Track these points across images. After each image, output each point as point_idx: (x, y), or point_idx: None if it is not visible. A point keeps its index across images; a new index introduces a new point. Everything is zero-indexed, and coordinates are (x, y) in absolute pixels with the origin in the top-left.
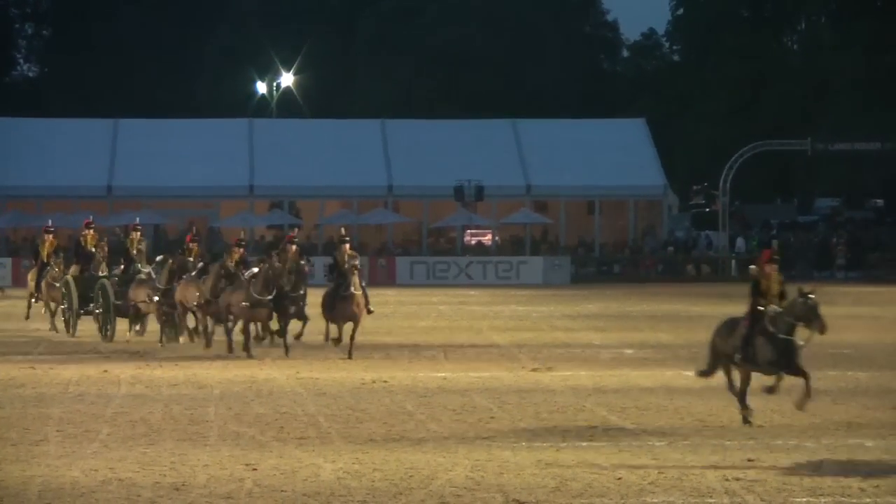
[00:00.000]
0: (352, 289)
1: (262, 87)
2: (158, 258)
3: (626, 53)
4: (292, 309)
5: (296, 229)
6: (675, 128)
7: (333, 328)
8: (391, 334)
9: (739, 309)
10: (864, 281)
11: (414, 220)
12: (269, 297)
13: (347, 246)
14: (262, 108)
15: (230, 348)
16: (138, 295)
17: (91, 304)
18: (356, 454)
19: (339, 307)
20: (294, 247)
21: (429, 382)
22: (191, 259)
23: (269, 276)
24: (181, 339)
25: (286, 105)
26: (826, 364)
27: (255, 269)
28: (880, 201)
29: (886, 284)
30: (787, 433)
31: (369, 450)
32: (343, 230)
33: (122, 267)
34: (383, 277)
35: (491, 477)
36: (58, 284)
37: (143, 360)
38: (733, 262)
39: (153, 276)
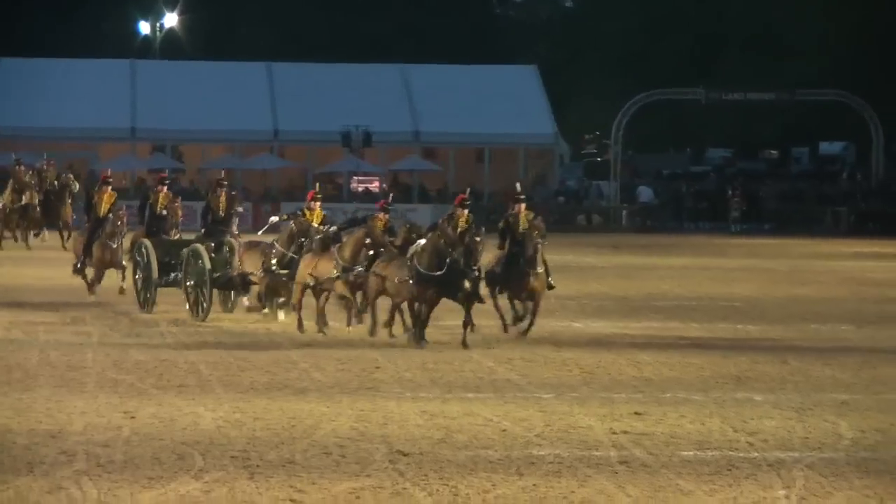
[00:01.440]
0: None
1: (145, 28)
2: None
3: None
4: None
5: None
6: (568, 76)
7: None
8: None
9: (631, 260)
10: (757, 234)
11: (299, 166)
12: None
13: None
14: (145, 48)
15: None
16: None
17: (173, 274)
18: (237, 403)
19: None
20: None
21: (312, 331)
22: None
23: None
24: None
25: (170, 46)
26: (716, 317)
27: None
28: (774, 152)
29: (779, 237)
30: (675, 386)
31: (251, 398)
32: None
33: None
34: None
35: (375, 427)
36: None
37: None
38: (624, 212)
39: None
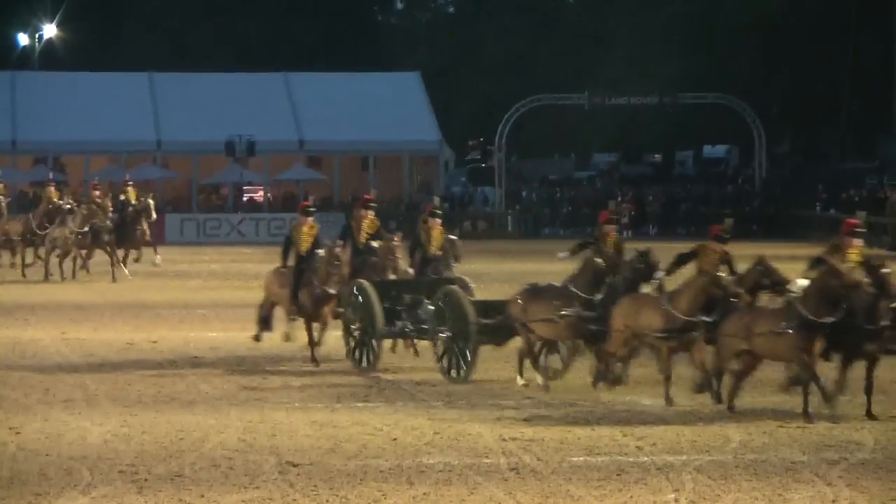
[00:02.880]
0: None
1: (24, 39)
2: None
3: (399, 5)
4: None
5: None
6: (451, 81)
7: None
8: (161, 293)
9: (518, 266)
10: (645, 238)
11: (183, 176)
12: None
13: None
14: (24, 60)
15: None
16: None
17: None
18: (124, 416)
19: None
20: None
21: (199, 342)
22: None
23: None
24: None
25: (50, 57)
26: None
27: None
28: (657, 156)
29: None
30: (563, 392)
31: (138, 412)
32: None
33: None
34: (152, 235)
35: (263, 439)
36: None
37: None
38: (509, 217)
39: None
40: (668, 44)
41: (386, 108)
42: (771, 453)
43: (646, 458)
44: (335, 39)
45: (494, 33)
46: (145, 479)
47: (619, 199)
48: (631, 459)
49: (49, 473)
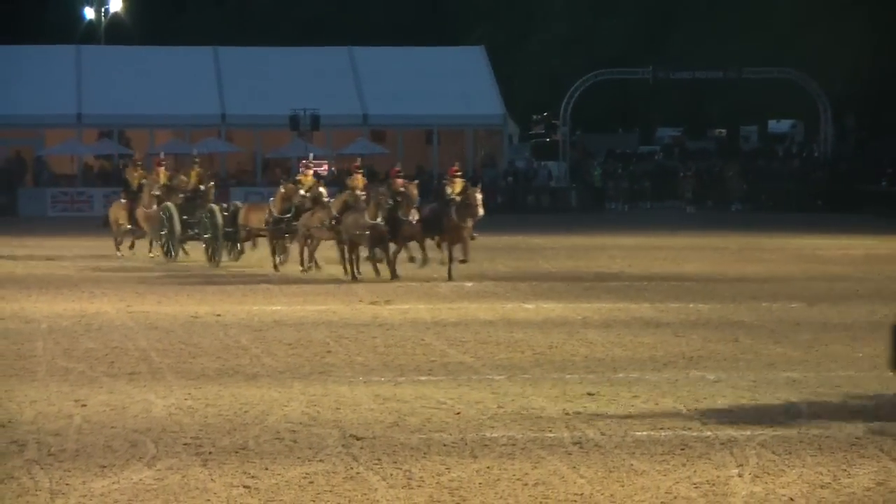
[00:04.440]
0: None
1: (90, 13)
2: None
3: None
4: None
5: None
6: (515, 56)
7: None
8: (224, 267)
9: (579, 240)
10: (710, 212)
11: (247, 150)
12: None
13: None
14: (90, 34)
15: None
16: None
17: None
18: (188, 389)
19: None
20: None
21: (263, 316)
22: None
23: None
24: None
25: (115, 32)
26: (668, 296)
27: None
28: (722, 131)
29: (731, 216)
30: (628, 366)
31: (202, 385)
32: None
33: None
34: None
35: (327, 412)
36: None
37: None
38: (573, 192)
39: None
40: (733, 18)
41: (450, 83)
42: (835, 428)
43: (709, 433)
44: (399, 13)
45: (559, 8)
46: (209, 452)
47: (682, 174)
48: (695, 434)
49: (114, 446)
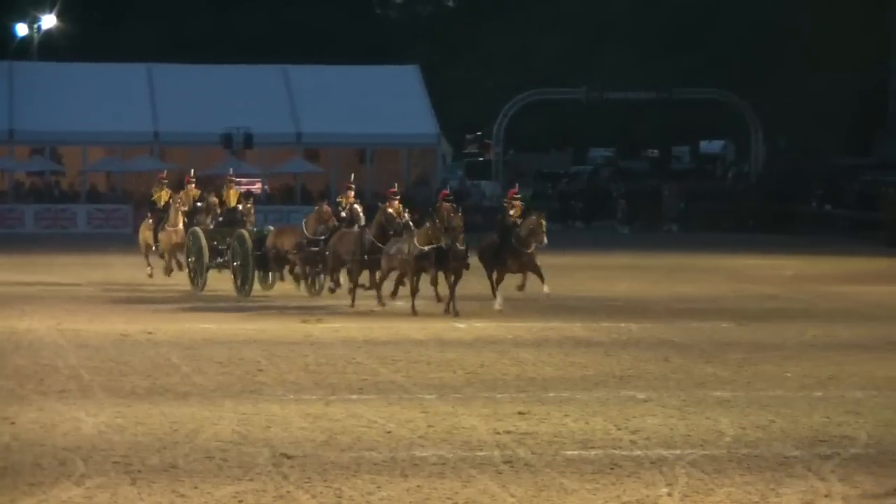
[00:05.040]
0: None
1: (22, 29)
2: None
3: None
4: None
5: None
6: (450, 75)
7: None
8: (155, 285)
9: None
10: (640, 232)
11: (180, 168)
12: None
13: None
14: (22, 50)
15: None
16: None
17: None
18: (119, 408)
19: None
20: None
21: (194, 334)
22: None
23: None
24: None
25: (48, 48)
26: (599, 315)
27: None
28: (654, 151)
29: (660, 235)
30: (558, 385)
31: (132, 403)
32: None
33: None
34: None
35: (258, 431)
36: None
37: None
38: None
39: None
40: (667, 39)
41: (384, 102)
42: (764, 448)
43: (639, 452)
44: (334, 32)
45: (493, 28)
46: (139, 471)
47: (615, 194)
48: (625, 453)
49: (43, 464)
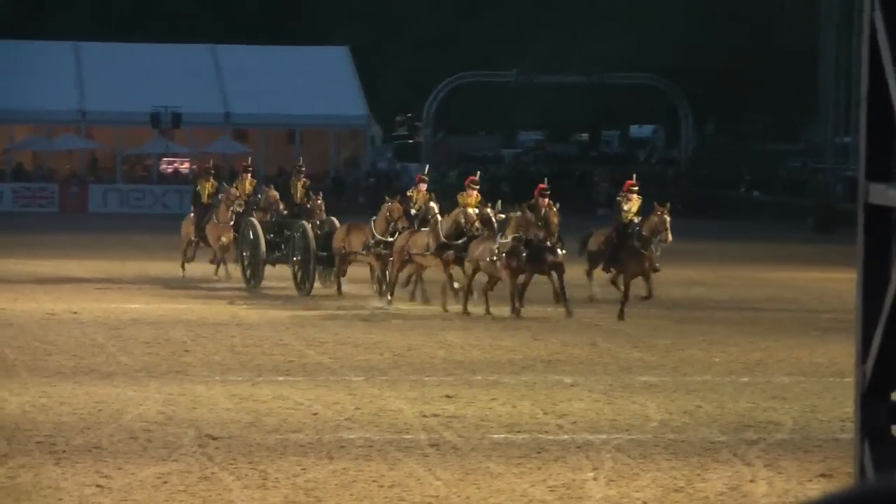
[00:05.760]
0: None
1: None
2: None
3: None
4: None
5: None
6: (380, 57)
7: None
8: (82, 265)
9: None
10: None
11: (108, 147)
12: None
13: None
14: None
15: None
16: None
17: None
18: (43, 387)
19: None
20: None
21: (120, 314)
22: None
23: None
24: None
25: None
26: (526, 300)
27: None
28: (584, 135)
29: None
30: (486, 369)
31: (57, 383)
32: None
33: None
34: (75, 205)
35: (183, 411)
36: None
37: None
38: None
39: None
40: (597, 23)
41: (313, 83)
42: (690, 433)
43: (566, 437)
44: (264, 12)
45: (424, 10)
46: (63, 451)
47: (597, 178)
48: (551, 437)
49: None
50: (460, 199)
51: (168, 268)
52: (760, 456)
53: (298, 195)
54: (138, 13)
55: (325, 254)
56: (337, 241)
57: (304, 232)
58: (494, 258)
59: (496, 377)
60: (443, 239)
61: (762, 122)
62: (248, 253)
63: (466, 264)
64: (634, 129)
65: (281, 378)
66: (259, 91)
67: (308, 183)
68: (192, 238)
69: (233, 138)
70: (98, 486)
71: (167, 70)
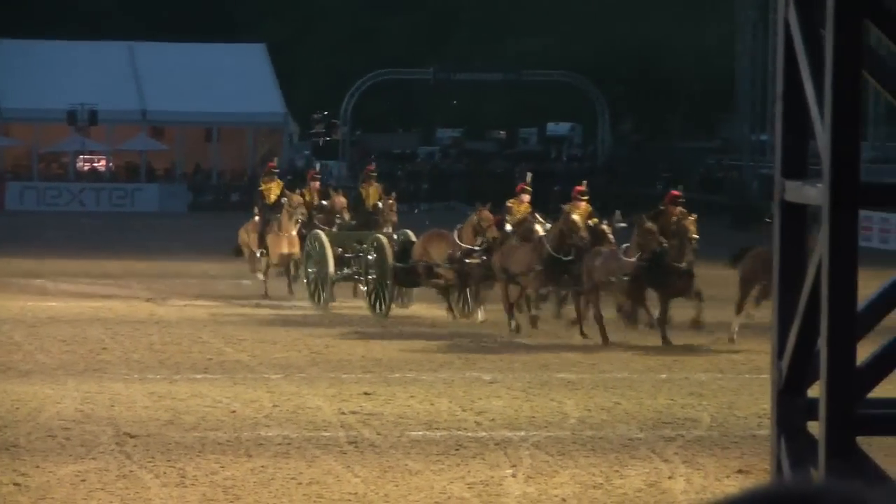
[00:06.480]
0: None
1: None
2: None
3: None
4: None
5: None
6: (298, 54)
7: None
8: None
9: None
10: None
11: (24, 144)
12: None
13: None
14: None
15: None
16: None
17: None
18: None
19: None
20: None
21: (38, 312)
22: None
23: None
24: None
25: None
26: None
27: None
28: (502, 133)
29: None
30: (404, 366)
31: None
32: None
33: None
34: None
35: (101, 409)
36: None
37: None
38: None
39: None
40: (515, 20)
41: (230, 80)
42: (608, 430)
43: (484, 434)
44: (181, 10)
45: (341, 7)
46: None
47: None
48: (469, 434)
49: None
50: (567, 209)
51: (86, 266)
52: (678, 452)
53: (370, 202)
54: (55, 10)
55: (402, 266)
56: (416, 253)
57: (381, 246)
58: (624, 277)
59: (414, 374)
60: (551, 252)
61: (679, 120)
62: (315, 269)
63: (585, 278)
64: (551, 127)
65: (199, 376)
66: (176, 89)
67: (380, 188)
68: (253, 249)
69: (149, 136)
70: (16, 484)
71: (84, 68)
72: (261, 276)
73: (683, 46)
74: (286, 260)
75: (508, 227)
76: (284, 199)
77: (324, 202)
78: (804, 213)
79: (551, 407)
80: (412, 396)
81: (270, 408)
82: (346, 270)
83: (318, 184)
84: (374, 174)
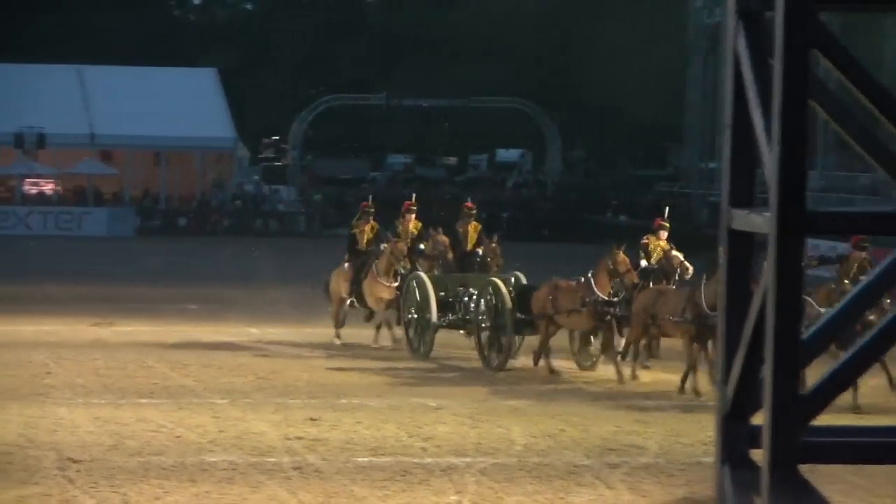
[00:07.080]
0: None
1: None
2: None
3: (197, 1)
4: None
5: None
6: (248, 79)
7: None
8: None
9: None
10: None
11: None
12: None
13: None
14: None
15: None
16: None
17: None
18: None
19: None
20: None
21: None
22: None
23: None
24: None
25: None
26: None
27: None
28: (452, 159)
29: None
30: (350, 392)
31: None
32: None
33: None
34: None
35: (44, 434)
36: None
37: None
38: (301, 217)
39: None
40: (466, 47)
41: (181, 105)
42: (554, 456)
43: (430, 460)
44: (131, 33)
45: (291, 32)
46: None
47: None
48: (415, 460)
49: None
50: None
51: (31, 290)
52: (624, 479)
53: (470, 243)
54: (4, 33)
55: (523, 317)
56: (538, 302)
57: (497, 290)
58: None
59: (361, 400)
60: (706, 310)
61: (629, 148)
62: (416, 315)
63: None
64: (501, 153)
65: (144, 400)
66: (125, 112)
67: (479, 227)
68: (344, 296)
69: (98, 159)
70: None
71: (32, 90)
72: (336, 332)
73: (634, 74)
74: (386, 306)
75: (645, 262)
76: (384, 246)
77: (421, 245)
78: (751, 240)
79: (498, 433)
80: (358, 422)
81: (215, 433)
82: (450, 317)
83: (414, 218)
84: (474, 212)
